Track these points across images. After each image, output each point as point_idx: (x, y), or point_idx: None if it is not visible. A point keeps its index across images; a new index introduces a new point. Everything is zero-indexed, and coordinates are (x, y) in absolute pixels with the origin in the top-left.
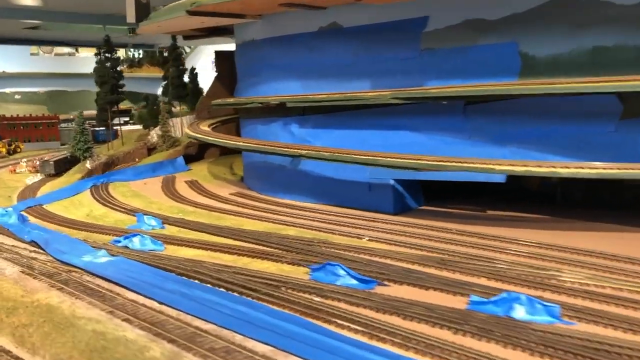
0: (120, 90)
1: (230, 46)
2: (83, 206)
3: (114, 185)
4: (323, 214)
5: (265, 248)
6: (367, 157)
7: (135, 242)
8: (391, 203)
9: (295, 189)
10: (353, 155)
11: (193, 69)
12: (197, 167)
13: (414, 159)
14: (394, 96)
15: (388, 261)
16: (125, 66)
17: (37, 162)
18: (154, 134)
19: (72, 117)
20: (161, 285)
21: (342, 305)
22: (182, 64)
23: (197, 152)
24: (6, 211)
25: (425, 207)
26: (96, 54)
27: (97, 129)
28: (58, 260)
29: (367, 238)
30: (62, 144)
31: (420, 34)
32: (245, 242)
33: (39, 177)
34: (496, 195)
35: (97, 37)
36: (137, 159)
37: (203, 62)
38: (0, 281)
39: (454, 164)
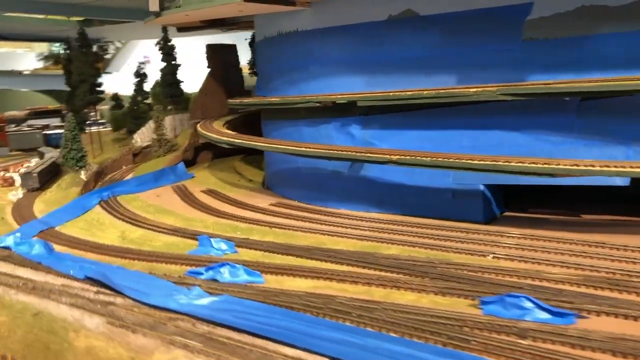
0: (99, 90)
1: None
2: (106, 226)
3: (125, 200)
4: (406, 226)
5: (386, 274)
6: (484, 163)
7: (225, 274)
8: (481, 211)
9: (355, 197)
10: (464, 161)
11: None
12: (198, 173)
13: (546, 164)
14: (503, 92)
15: (549, 284)
16: (50, 63)
17: (11, 174)
18: (138, 138)
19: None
20: (313, 333)
21: (557, 347)
22: (175, 59)
23: (192, 157)
24: (21, 239)
25: (508, 214)
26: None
27: (50, 132)
28: (142, 303)
29: (492, 255)
30: (10, 150)
31: (522, 22)
32: (353, 266)
33: (20, 192)
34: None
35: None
36: (124, 167)
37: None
38: (89, 338)
39: (575, 167)
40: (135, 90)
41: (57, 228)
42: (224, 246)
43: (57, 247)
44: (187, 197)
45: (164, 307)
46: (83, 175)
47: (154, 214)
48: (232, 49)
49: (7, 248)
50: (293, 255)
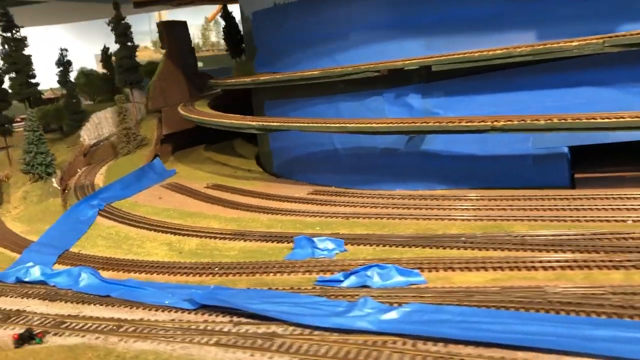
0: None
1: None
2: (138, 240)
3: (126, 206)
4: (501, 200)
5: (557, 254)
6: (609, 121)
7: (374, 277)
8: (567, 175)
9: (414, 175)
10: (585, 120)
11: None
12: (179, 168)
13: None
14: (611, 43)
15: None
16: None
17: None
18: (85, 136)
19: None
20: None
21: None
22: (131, 40)
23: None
24: (55, 270)
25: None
26: None
27: None
28: (305, 326)
29: (631, 220)
30: None
31: None
32: (504, 250)
33: None
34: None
35: None
36: (78, 170)
37: None
38: None
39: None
40: (59, 81)
41: (73, 249)
42: (330, 245)
43: (108, 274)
44: (199, 195)
45: (339, 328)
46: (55, 182)
47: (183, 218)
48: (184, 27)
49: (39, 282)
50: (418, 246)
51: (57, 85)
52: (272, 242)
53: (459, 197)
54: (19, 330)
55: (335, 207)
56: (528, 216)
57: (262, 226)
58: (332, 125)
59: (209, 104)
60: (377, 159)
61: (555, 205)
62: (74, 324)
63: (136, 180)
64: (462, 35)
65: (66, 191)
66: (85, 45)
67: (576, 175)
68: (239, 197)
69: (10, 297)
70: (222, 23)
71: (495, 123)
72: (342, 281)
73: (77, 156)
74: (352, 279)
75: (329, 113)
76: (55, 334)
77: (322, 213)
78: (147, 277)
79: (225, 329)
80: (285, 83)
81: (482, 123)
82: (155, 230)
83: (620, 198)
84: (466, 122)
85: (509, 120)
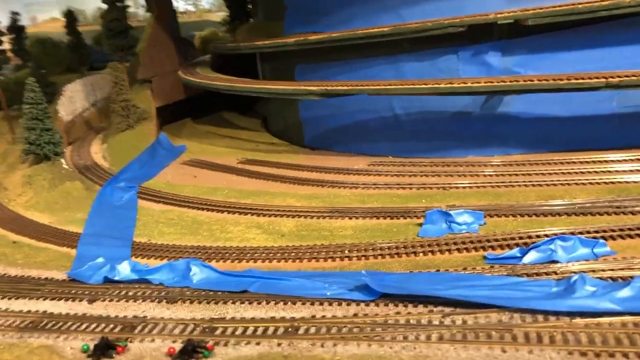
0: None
1: None
2: (220, 225)
3: (167, 187)
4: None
5: None
6: None
7: (559, 250)
8: None
9: (490, 140)
10: None
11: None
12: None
13: None
14: None
15: None
16: None
17: None
18: (63, 112)
19: None
20: None
21: None
22: (121, 0)
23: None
24: (146, 265)
25: None
26: None
27: None
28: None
29: None
30: None
31: None
32: None
33: None
34: None
35: None
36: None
37: None
38: None
39: None
40: (13, 50)
41: (137, 239)
42: (469, 218)
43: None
44: (241, 171)
45: (579, 311)
46: (64, 163)
47: (249, 197)
48: None
49: (135, 281)
50: (571, 214)
51: None
52: (385, 218)
53: (561, 161)
54: (170, 342)
55: (421, 178)
56: None
57: (354, 202)
58: (422, 86)
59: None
60: (446, 123)
61: None
62: (234, 330)
63: (150, 158)
64: None
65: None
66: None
67: None
68: (290, 172)
69: (110, 301)
70: None
71: (610, 79)
72: (519, 257)
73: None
74: (533, 255)
75: (387, 75)
76: (217, 344)
77: (411, 184)
78: (262, 266)
79: (436, 322)
80: (342, 42)
81: (595, 80)
82: (229, 212)
83: None
84: (575, 79)
85: (625, 76)
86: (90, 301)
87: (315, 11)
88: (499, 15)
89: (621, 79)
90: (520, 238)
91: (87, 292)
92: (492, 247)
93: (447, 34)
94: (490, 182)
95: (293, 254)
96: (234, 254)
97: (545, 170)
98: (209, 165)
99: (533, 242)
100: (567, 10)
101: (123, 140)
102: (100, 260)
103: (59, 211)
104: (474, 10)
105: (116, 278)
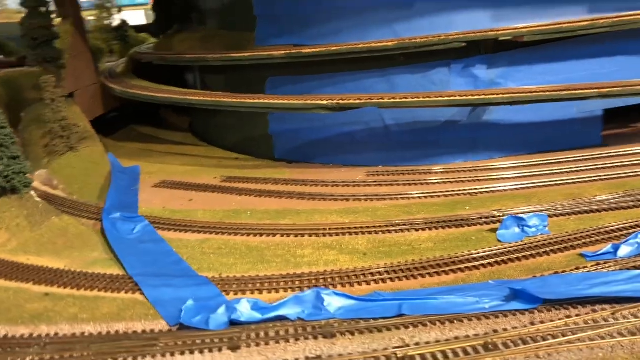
0: None
1: None
2: (285, 250)
3: (171, 214)
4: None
5: None
6: None
7: None
8: (599, 134)
9: (474, 146)
10: None
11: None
12: (129, 164)
13: None
14: None
15: None
16: None
17: None
18: None
19: None
20: None
21: None
22: (46, 5)
23: None
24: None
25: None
26: None
27: None
28: None
29: None
30: None
31: None
32: None
33: None
34: None
35: None
36: None
37: None
38: None
39: None
40: None
41: (205, 273)
42: (537, 221)
43: None
44: (237, 191)
45: None
46: (35, 196)
47: (286, 217)
48: None
49: (275, 319)
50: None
51: None
52: (451, 228)
53: (558, 161)
54: None
55: (439, 186)
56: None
57: (400, 213)
58: (440, 98)
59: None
60: (436, 132)
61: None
62: (433, 355)
63: (120, 183)
64: (526, 7)
65: None
66: None
67: (604, 133)
68: (295, 188)
69: (257, 345)
70: None
71: (600, 90)
72: (613, 252)
73: None
74: (625, 249)
75: (379, 88)
76: None
77: (438, 193)
78: (381, 287)
79: (612, 320)
80: (341, 56)
81: (588, 90)
82: (282, 235)
83: None
84: (569, 91)
85: (613, 87)
86: (233, 349)
87: (296, 23)
88: (499, 32)
89: (609, 89)
90: (606, 233)
91: (217, 340)
92: (585, 245)
93: (439, 49)
94: (514, 185)
95: (401, 272)
96: (337, 278)
97: (555, 170)
98: (190, 186)
99: (617, 238)
100: (554, 29)
101: (70, 164)
102: (190, 302)
103: (65, 252)
104: (463, 26)
105: (242, 319)
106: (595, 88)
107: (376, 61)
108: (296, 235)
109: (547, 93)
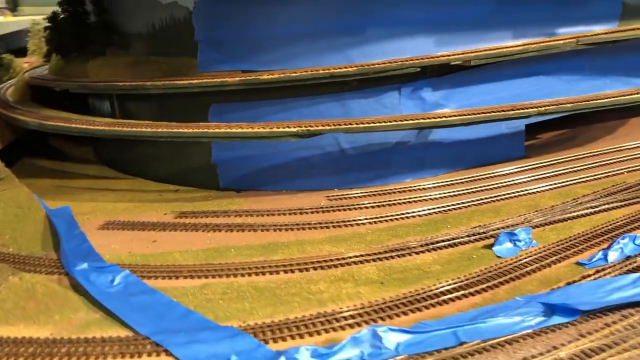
0: None
1: None
2: (297, 288)
3: (147, 259)
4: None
5: None
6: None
7: (629, 246)
8: (523, 146)
9: (420, 164)
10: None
11: None
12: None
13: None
14: (582, 42)
15: None
16: None
17: None
18: None
19: None
20: None
21: None
22: None
23: None
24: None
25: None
26: None
27: None
28: None
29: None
30: None
31: None
32: None
33: None
34: None
35: None
36: None
37: None
38: None
39: (602, 100)
40: None
41: (229, 323)
42: (524, 235)
43: None
44: (201, 228)
45: None
46: None
47: (277, 252)
48: None
49: None
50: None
51: None
52: (451, 247)
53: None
54: None
55: (408, 206)
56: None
57: (390, 237)
58: (404, 122)
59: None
60: (388, 153)
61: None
62: None
63: (63, 228)
64: (460, 33)
65: None
66: None
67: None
68: (263, 220)
69: None
70: None
71: (540, 109)
72: (604, 259)
73: None
74: (613, 255)
75: (334, 112)
76: None
77: (413, 214)
78: (425, 315)
79: None
80: (302, 82)
81: (530, 109)
82: (285, 272)
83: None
84: (515, 110)
85: (549, 105)
86: None
87: (244, 48)
88: (451, 57)
89: (546, 107)
90: (587, 240)
91: None
92: (577, 253)
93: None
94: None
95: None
96: (373, 313)
97: (505, 182)
98: (143, 225)
99: (601, 243)
100: (497, 54)
101: None
102: (234, 358)
103: (42, 317)
104: (411, 51)
105: None
106: (536, 107)
107: (331, 86)
108: (301, 270)
109: (497, 113)
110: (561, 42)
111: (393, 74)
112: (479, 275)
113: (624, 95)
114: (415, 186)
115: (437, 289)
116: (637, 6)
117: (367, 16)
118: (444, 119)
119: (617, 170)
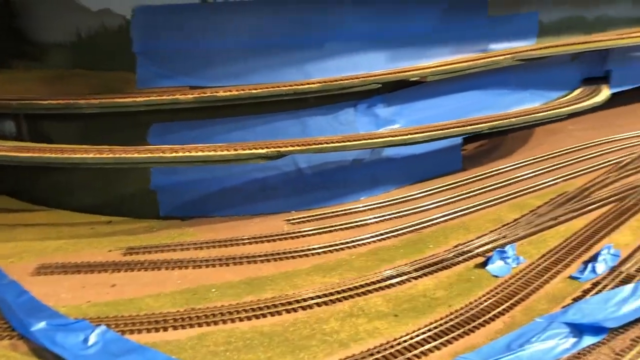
0: None
1: None
2: (303, 325)
3: (115, 308)
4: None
5: None
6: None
7: (609, 259)
8: (460, 160)
9: (374, 182)
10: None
11: None
12: None
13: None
14: (517, 58)
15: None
16: None
17: None
18: None
19: None
20: None
21: None
22: None
23: None
24: None
25: None
26: None
27: None
28: None
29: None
30: None
31: (487, 2)
32: None
33: None
34: None
35: None
36: None
37: None
38: None
39: (544, 113)
40: None
41: None
42: (511, 252)
43: None
44: (164, 265)
45: None
46: None
47: (263, 289)
48: None
49: None
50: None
51: None
52: (444, 269)
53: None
54: None
55: (377, 226)
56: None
57: (379, 263)
58: (377, 140)
59: None
60: (344, 172)
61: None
62: None
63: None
64: (406, 49)
65: None
66: None
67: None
68: (233, 250)
69: None
70: None
71: (490, 123)
72: (593, 270)
73: None
74: (600, 267)
75: (293, 130)
76: None
77: (388, 234)
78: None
79: None
80: (260, 99)
81: (482, 125)
82: (287, 312)
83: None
84: (468, 126)
85: (496, 120)
86: None
87: (192, 62)
88: (409, 73)
89: (497, 122)
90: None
91: None
92: (566, 267)
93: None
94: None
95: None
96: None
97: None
98: (89, 267)
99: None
100: (452, 69)
101: None
102: None
103: None
104: (365, 68)
105: None
106: (486, 121)
107: (288, 103)
108: (304, 309)
109: (452, 130)
110: (501, 57)
111: (352, 91)
112: (489, 299)
113: (560, 108)
114: (372, 204)
115: (456, 317)
116: (550, 25)
117: (322, 30)
118: (409, 136)
119: (554, 179)
